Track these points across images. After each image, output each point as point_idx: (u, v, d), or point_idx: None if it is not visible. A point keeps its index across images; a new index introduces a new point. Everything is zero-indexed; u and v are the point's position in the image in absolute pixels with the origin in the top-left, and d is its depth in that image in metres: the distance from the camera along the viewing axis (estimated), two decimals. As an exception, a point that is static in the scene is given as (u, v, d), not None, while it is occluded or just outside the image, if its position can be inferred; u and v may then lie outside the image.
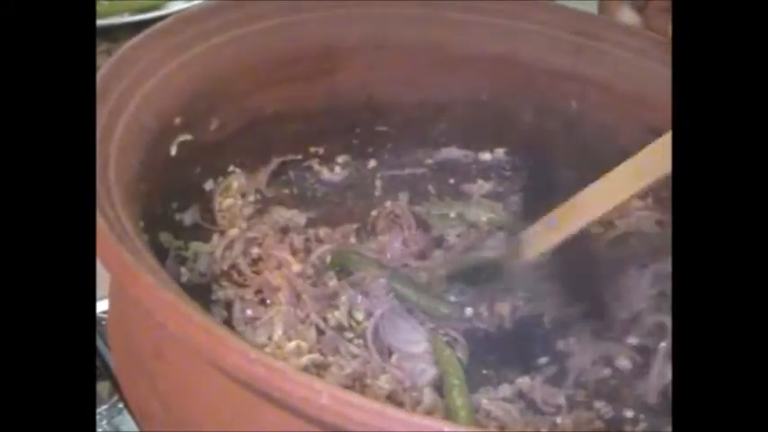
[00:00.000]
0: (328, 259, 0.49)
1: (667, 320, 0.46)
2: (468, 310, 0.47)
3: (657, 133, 0.52)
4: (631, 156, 0.45)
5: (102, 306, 0.48)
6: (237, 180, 0.52)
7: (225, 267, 0.48)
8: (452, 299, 0.48)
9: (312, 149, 0.56)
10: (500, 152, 0.58)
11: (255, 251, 0.49)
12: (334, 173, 0.56)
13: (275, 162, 0.54)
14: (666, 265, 0.49)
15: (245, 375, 0.26)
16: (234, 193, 0.52)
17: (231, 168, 0.52)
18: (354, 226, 0.52)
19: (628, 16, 0.59)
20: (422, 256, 0.51)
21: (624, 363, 0.46)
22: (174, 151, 0.45)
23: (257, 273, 0.48)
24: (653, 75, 0.52)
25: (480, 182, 0.57)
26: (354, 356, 0.44)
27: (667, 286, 0.48)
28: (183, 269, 0.47)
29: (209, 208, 0.50)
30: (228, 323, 0.45)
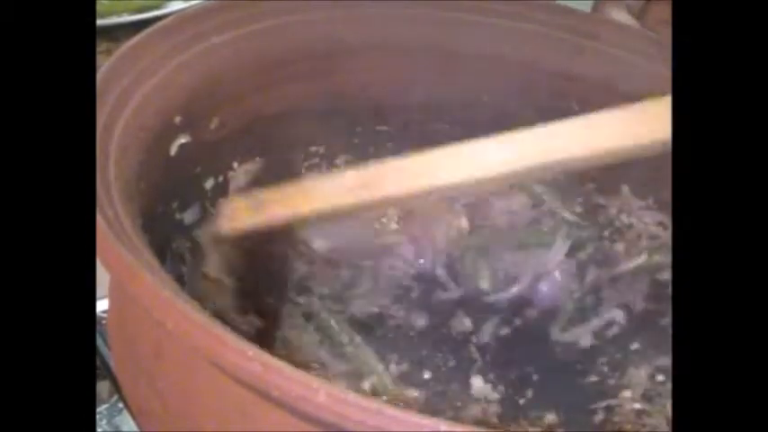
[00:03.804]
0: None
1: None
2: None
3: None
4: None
5: (102, 306, 0.48)
6: (258, 168, 0.52)
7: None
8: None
9: (313, 149, 0.56)
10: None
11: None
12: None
13: (277, 161, 0.54)
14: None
15: (242, 373, 0.26)
16: (252, 176, 0.52)
17: (235, 166, 0.52)
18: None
19: (622, 18, 0.59)
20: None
21: None
22: (174, 150, 0.45)
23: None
24: (653, 75, 0.52)
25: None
26: None
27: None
28: (183, 268, 0.47)
29: (209, 207, 0.50)
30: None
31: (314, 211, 0.39)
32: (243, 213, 0.41)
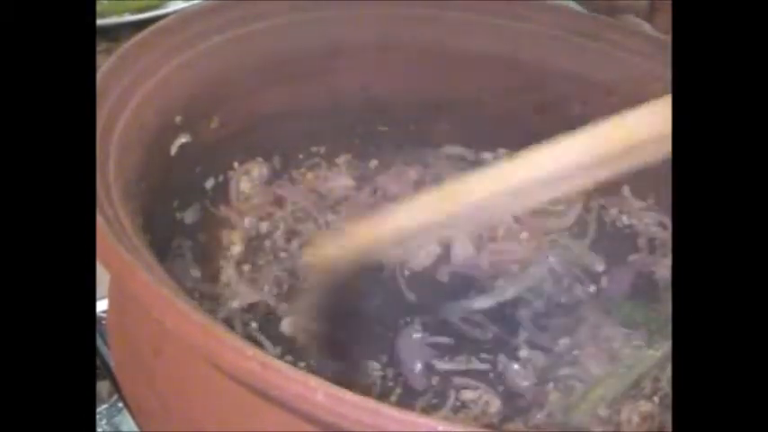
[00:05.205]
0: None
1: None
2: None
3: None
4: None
5: (101, 306, 0.48)
6: (259, 168, 0.53)
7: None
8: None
9: (314, 149, 0.56)
10: (502, 152, 0.58)
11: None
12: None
13: (277, 161, 0.54)
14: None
15: (241, 373, 0.26)
16: (254, 178, 0.53)
17: (235, 165, 0.52)
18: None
19: (630, 21, 0.59)
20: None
21: None
22: (174, 150, 0.45)
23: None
24: (654, 76, 0.52)
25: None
26: None
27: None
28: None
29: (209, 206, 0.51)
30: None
31: (395, 230, 0.39)
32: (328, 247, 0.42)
